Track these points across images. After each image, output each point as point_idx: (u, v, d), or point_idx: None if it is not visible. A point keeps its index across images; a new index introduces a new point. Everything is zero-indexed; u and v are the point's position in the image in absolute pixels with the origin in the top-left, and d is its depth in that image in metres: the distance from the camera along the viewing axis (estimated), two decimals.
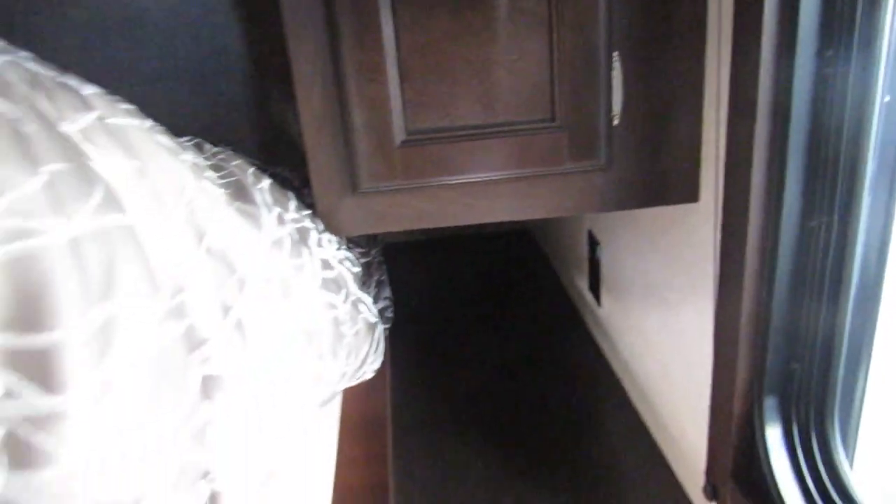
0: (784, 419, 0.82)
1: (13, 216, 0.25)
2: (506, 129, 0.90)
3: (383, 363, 1.59)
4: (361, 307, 0.85)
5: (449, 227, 2.28)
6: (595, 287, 1.55)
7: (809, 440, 0.80)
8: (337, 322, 0.70)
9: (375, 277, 1.33)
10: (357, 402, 1.80)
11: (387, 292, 1.44)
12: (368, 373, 1.05)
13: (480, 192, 0.93)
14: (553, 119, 0.89)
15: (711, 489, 0.95)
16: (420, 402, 1.40)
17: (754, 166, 0.80)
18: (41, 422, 0.27)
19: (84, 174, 0.31)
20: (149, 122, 0.50)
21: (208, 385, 0.42)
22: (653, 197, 0.94)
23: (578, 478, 1.14)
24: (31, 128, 0.29)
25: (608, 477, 1.15)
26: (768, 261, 0.82)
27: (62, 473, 0.28)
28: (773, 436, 0.82)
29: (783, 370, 0.81)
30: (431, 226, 0.95)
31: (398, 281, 1.58)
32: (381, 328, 0.97)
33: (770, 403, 0.82)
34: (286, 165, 1.10)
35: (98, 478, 0.30)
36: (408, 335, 1.59)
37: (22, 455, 0.26)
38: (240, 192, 0.61)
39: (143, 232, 0.35)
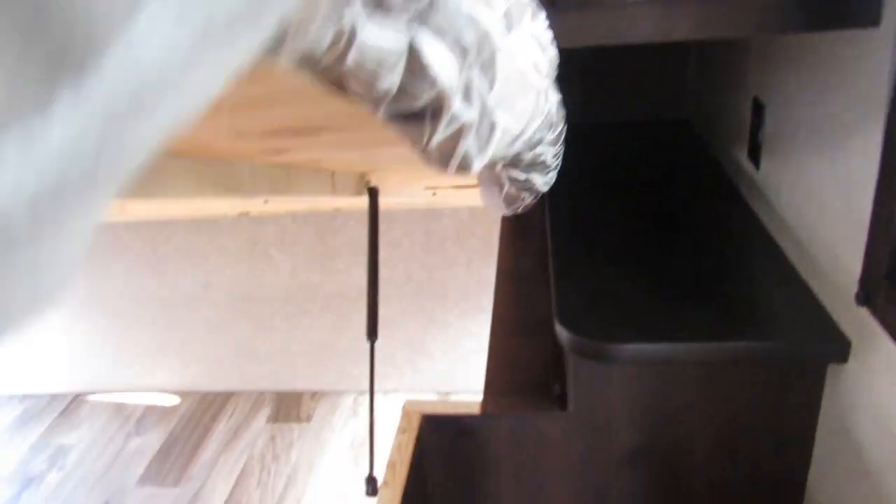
0: None
1: None
2: None
3: (544, 212, 1.73)
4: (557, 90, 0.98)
5: (609, 114, 2.33)
6: (755, 153, 1.60)
7: None
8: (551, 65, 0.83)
9: None
10: (511, 253, 1.97)
11: None
12: (544, 184, 1.17)
13: (668, 12, 1.03)
14: None
15: (864, 295, 1.03)
16: (579, 249, 1.53)
17: None
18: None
19: None
20: None
21: None
22: (835, 19, 1.00)
23: (727, 309, 1.25)
24: None
25: (757, 308, 1.24)
26: None
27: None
28: None
29: None
30: (619, 42, 1.06)
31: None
32: (564, 127, 1.07)
33: None
34: None
35: None
36: (568, 195, 1.71)
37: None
38: None
39: None
